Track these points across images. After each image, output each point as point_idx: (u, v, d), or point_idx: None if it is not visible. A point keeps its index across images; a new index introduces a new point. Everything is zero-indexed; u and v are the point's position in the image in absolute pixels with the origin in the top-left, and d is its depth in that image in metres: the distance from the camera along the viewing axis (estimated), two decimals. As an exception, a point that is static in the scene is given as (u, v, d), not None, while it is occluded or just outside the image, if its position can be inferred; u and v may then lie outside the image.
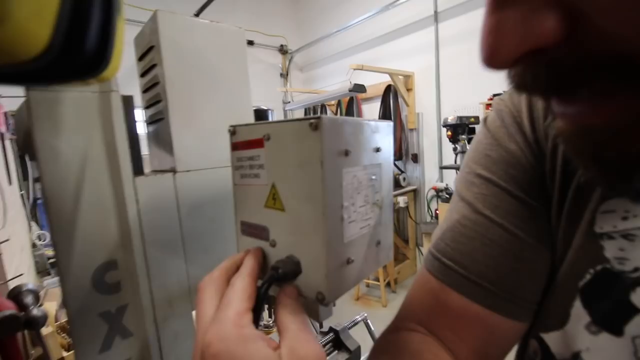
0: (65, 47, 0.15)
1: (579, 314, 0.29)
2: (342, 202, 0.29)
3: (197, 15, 2.54)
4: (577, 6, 0.15)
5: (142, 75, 0.49)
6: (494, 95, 2.39)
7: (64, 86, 0.34)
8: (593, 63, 0.16)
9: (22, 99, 0.51)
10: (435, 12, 2.86)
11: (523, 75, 0.18)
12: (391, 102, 3.16)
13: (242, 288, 0.26)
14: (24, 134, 0.45)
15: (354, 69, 2.63)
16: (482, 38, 0.17)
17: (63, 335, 1.15)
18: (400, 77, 3.01)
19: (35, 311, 0.52)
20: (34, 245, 1.85)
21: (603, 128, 0.18)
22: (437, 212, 2.92)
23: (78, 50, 0.15)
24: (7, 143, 0.94)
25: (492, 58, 0.17)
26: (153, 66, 0.45)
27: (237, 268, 0.29)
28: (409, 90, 3.09)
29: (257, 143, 0.32)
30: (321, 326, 0.72)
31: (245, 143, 0.33)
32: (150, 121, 0.50)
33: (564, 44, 0.16)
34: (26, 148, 0.45)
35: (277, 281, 0.29)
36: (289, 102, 3.94)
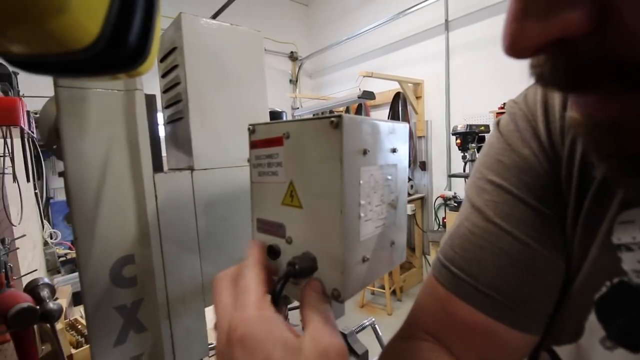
0: (111, 40, 0.16)
1: (593, 327, 0.28)
2: (360, 200, 0.30)
3: (210, 21, 2.60)
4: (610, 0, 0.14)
5: (163, 75, 0.50)
6: (505, 104, 2.38)
7: (100, 79, 0.36)
8: (612, 63, 0.15)
9: (44, 99, 0.53)
10: (446, 20, 2.87)
11: (543, 66, 0.18)
12: (400, 110, 3.17)
13: (254, 274, 0.27)
14: (48, 131, 0.46)
15: (363, 76, 2.65)
16: (505, 25, 0.17)
17: (72, 332, 1.17)
18: (409, 84, 3.02)
19: (51, 304, 0.53)
20: (45, 244, 1.88)
21: (605, 122, 0.18)
22: (445, 220, 2.89)
23: (122, 43, 0.16)
24: (26, 142, 0.96)
25: (514, 46, 0.17)
26: (175, 67, 0.47)
27: None
28: (418, 97, 3.09)
29: (277, 141, 0.32)
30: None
31: (264, 141, 0.34)
32: (169, 121, 0.51)
33: (588, 38, 0.15)
34: (50, 145, 0.47)
35: (294, 277, 0.29)
36: (298, 107, 3.98)
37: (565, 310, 0.31)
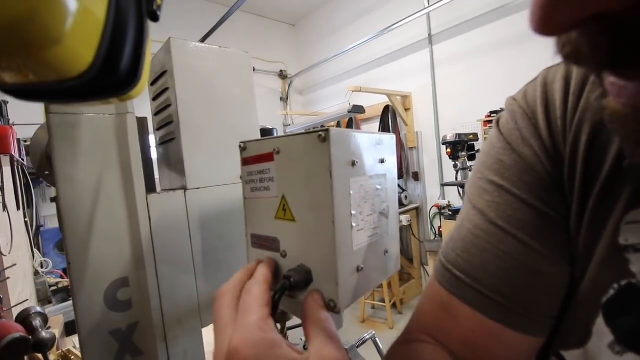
0: (104, 67, 0.16)
1: (601, 331, 0.27)
2: (351, 210, 0.30)
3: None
4: None
5: (154, 98, 0.51)
6: (491, 112, 2.44)
7: (92, 104, 0.36)
8: None
9: (34, 127, 0.53)
10: (430, 35, 2.97)
11: (577, 43, 0.16)
12: (390, 122, 3.22)
13: (259, 294, 0.26)
14: (40, 157, 0.47)
15: (353, 91, 2.70)
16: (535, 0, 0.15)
17: (64, 364, 1.13)
18: (398, 97, 3.08)
19: (44, 333, 0.52)
20: (36, 273, 1.83)
21: None
22: (441, 229, 2.90)
23: (114, 70, 0.17)
24: (16, 169, 0.96)
25: (546, 21, 0.15)
26: (165, 90, 0.48)
27: (251, 277, 0.30)
28: (407, 109, 3.15)
29: (268, 157, 0.33)
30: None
31: (255, 158, 0.34)
32: (161, 142, 0.52)
33: (632, 12, 0.13)
34: (42, 171, 0.47)
35: (290, 290, 0.29)
36: (290, 124, 4.01)
37: (572, 314, 0.30)
